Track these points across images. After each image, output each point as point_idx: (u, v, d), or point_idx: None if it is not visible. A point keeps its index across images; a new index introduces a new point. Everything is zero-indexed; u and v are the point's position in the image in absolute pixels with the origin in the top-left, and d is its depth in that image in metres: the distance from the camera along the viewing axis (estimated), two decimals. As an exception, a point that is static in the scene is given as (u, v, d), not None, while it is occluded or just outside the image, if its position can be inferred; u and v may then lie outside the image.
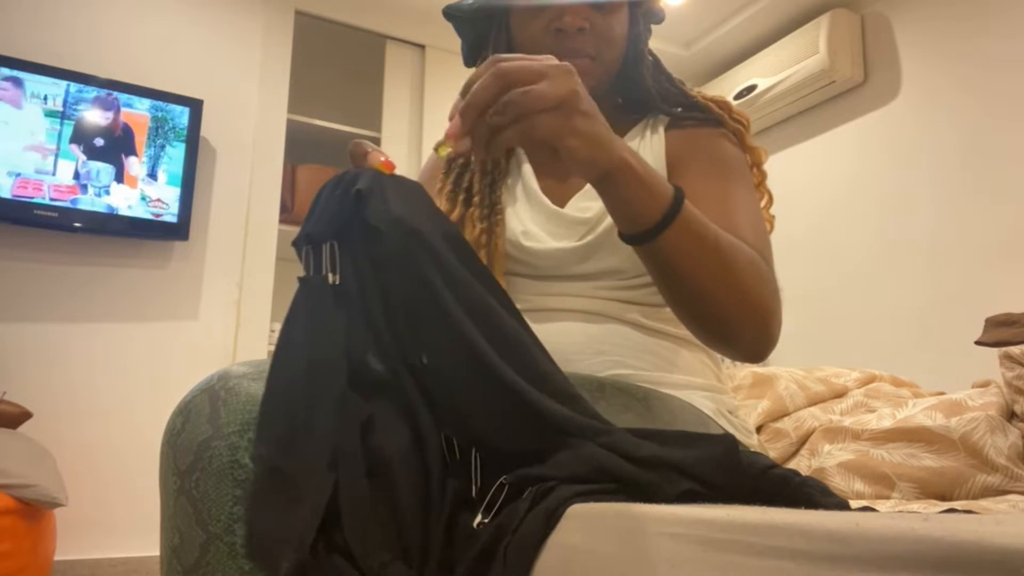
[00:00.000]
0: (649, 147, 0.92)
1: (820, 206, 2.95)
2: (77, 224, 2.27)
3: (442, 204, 0.93)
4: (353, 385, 0.55)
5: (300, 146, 2.82)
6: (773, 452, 1.69)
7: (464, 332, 0.54)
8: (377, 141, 2.86)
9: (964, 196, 2.40)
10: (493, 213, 0.89)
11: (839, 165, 2.89)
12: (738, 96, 3.09)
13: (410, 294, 0.57)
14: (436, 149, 0.59)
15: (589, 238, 0.85)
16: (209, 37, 2.64)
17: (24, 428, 1.97)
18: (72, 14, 2.42)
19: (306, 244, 0.61)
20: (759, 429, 1.78)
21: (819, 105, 2.96)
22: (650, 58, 0.98)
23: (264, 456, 0.55)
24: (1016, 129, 2.28)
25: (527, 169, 0.95)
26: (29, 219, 2.20)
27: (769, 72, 2.96)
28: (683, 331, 0.86)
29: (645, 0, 0.96)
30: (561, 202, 0.90)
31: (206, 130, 2.51)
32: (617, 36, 0.90)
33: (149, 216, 2.36)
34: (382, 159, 0.64)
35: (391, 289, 0.57)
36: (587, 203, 0.87)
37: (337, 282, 0.58)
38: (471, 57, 1.01)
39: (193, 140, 2.45)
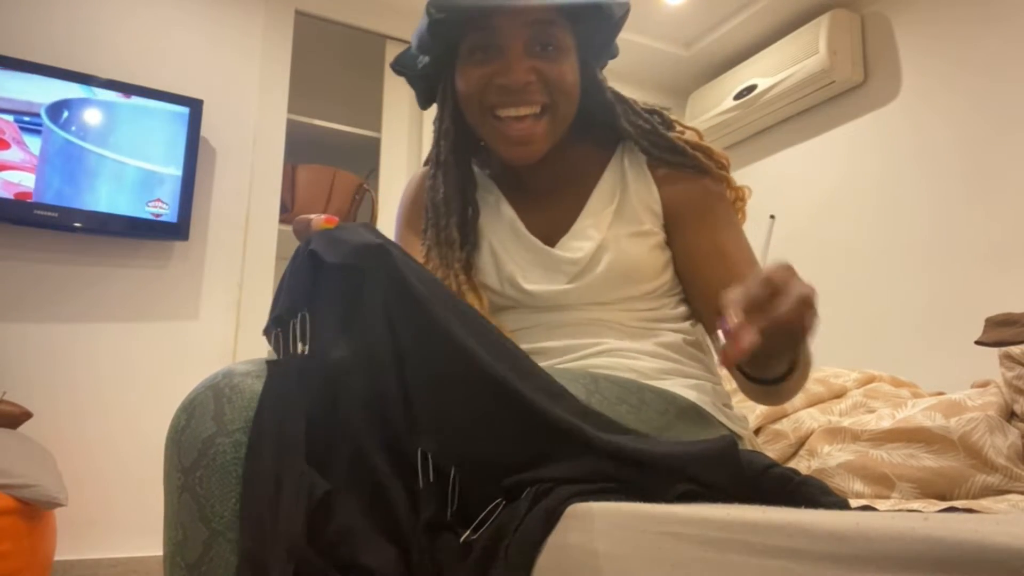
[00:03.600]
0: (635, 191, 0.92)
1: (820, 206, 2.95)
2: (77, 224, 2.27)
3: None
4: (313, 459, 0.56)
5: (300, 146, 2.82)
6: (772, 453, 1.69)
7: (453, 333, 0.55)
8: (377, 141, 2.86)
9: (964, 196, 2.40)
10: (464, 272, 0.91)
11: (839, 165, 2.89)
12: (738, 96, 3.09)
13: (395, 308, 0.57)
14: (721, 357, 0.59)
15: (581, 282, 0.87)
16: (209, 37, 2.63)
17: (24, 428, 1.97)
18: (70, 14, 2.41)
19: (275, 328, 0.62)
20: (757, 431, 1.77)
21: (819, 105, 2.96)
22: (614, 97, 0.97)
23: (243, 546, 0.55)
24: (1016, 129, 2.28)
25: (510, 212, 0.96)
26: (29, 219, 2.20)
27: (769, 72, 2.96)
28: (671, 326, 0.90)
29: (590, 39, 0.94)
30: (549, 241, 0.92)
31: (206, 130, 2.51)
32: (570, 85, 0.89)
33: (149, 216, 2.36)
34: (322, 219, 0.68)
35: (371, 315, 0.58)
36: (578, 243, 0.89)
37: (306, 352, 0.59)
38: (425, 102, 1.01)
39: (193, 140, 2.45)
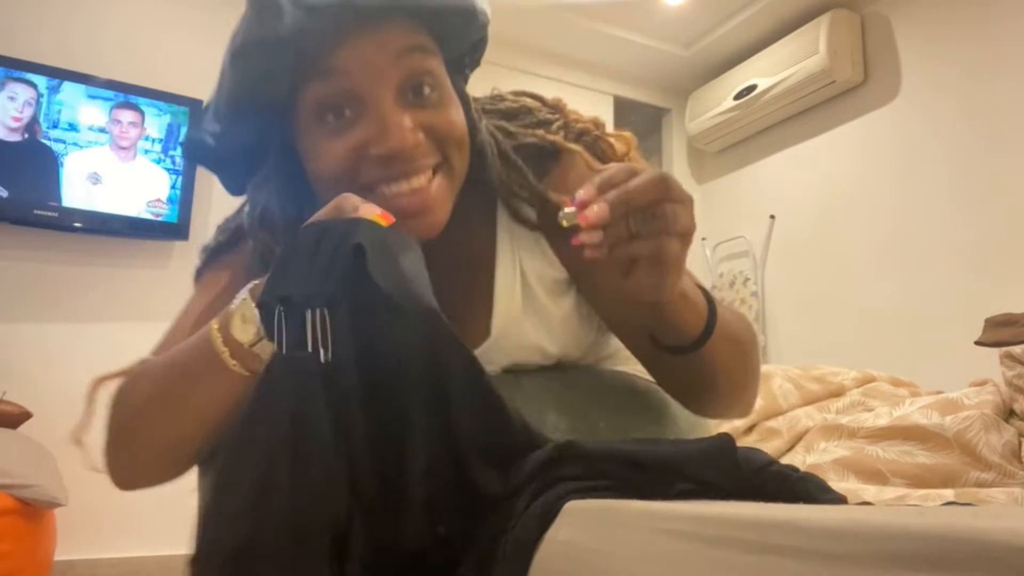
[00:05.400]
0: (532, 269, 0.72)
1: (819, 206, 2.95)
2: (77, 224, 2.27)
3: None
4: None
5: (300, 146, 2.82)
6: (765, 450, 1.70)
7: (457, 444, 0.49)
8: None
9: (965, 195, 2.40)
10: None
11: (839, 165, 2.89)
12: (738, 96, 3.09)
13: (416, 379, 0.49)
14: (562, 221, 0.51)
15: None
16: (209, 37, 2.62)
17: (24, 428, 1.97)
18: (71, 14, 2.42)
19: (280, 307, 0.49)
20: (751, 428, 1.78)
21: (819, 105, 2.96)
22: (487, 134, 0.72)
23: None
24: (1015, 128, 2.28)
25: None
26: (29, 219, 2.20)
27: (769, 72, 2.96)
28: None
29: (459, 59, 0.70)
30: None
31: (206, 130, 2.51)
32: (461, 134, 0.66)
33: (149, 216, 2.36)
34: (378, 212, 0.52)
35: (388, 367, 0.48)
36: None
37: (330, 359, 0.47)
38: (240, 188, 0.72)
39: (193, 140, 2.45)
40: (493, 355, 0.71)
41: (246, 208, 0.70)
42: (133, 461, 0.63)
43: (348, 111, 0.61)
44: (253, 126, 0.65)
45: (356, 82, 0.60)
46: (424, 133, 0.62)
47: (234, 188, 0.72)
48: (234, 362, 0.53)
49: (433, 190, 0.63)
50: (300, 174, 0.67)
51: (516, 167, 0.70)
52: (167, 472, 0.62)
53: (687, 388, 0.70)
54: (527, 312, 0.71)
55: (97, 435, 0.68)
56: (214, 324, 0.55)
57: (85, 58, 2.38)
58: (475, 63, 0.73)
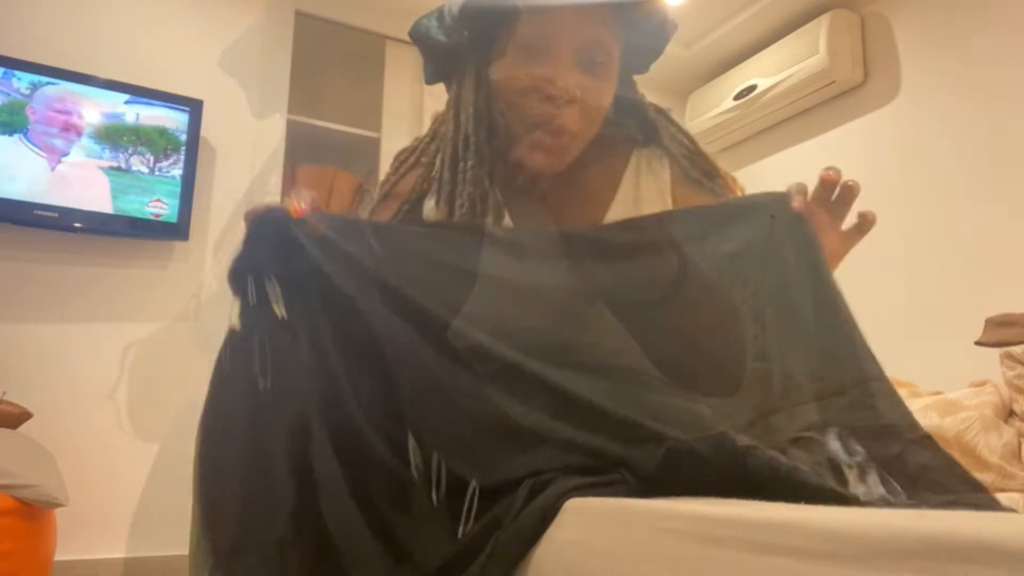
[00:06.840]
0: (654, 186, 0.88)
1: (820, 206, 2.95)
2: (77, 224, 2.27)
3: None
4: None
5: (300, 146, 2.82)
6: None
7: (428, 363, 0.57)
8: (377, 141, 2.86)
9: (964, 195, 2.40)
10: None
11: (839, 165, 2.88)
12: (738, 96, 3.09)
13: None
14: None
15: None
16: (209, 37, 2.63)
17: (24, 428, 1.97)
18: (72, 14, 2.41)
19: (249, 274, 0.62)
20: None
21: (819, 105, 2.96)
22: (655, 112, 0.93)
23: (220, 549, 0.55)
24: (1016, 129, 2.28)
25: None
26: (29, 219, 2.20)
27: (769, 72, 2.96)
28: None
29: (635, 52, 0.88)
30: None
31: (206, 130, 2.51)
32: (601, 111, 0.83)
33: (149, 216, 2.36)
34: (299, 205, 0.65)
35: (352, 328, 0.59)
36: None
37: (284, 316, 0.60)
38: (434, 77, 0.91)
39: (193, 140, 2.45)
40: None
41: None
42: None
43: (537, 53, 0.79)
44: (470, 32, 0.83)
45: (553, 30, 0.78)
46: (580, 94, 0.78)
47: (429, 76, 0.91)
48: None
49: (563, 141, 0.80)
50: (489, 99, 0.83)
51: (685, 135, 0.93)
52: None
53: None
54: None
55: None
56: None
57: (85, 58, 2.38)
58: (643, 68, 0.94)
